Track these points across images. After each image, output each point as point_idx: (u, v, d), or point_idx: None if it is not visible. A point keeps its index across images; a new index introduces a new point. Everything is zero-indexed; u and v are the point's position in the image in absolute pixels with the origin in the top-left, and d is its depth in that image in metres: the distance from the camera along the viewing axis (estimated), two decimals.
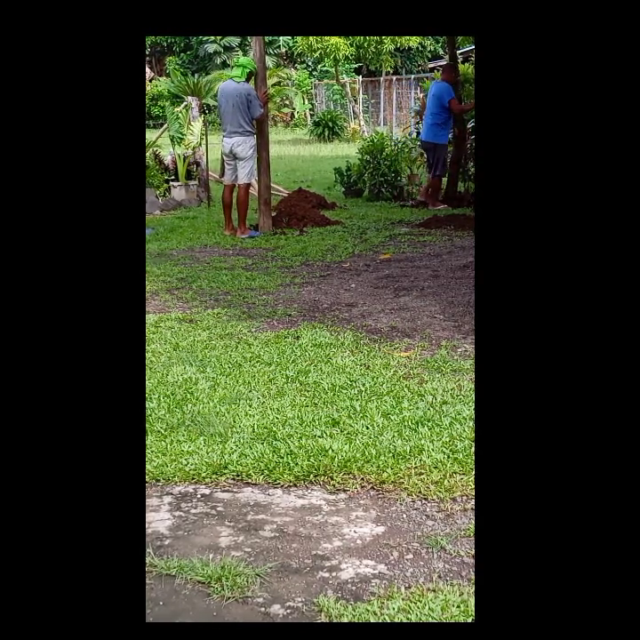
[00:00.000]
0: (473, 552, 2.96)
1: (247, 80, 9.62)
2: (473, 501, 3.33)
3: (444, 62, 16.79)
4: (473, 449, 3.72)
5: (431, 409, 4.24)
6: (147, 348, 5.30)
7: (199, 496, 3.44)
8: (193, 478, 3.56)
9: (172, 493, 3.47)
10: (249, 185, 9.91)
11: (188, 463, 3.65)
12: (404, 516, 3.28)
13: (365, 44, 27.41)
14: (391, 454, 3.70)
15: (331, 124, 27.27)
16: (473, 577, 2.81)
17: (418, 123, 14.50)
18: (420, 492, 3.43)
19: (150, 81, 34.77)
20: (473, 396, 4.40)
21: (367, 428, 4.00)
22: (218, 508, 3.34)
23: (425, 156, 12.51)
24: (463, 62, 14.77)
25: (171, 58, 38.20)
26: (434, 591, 2.75)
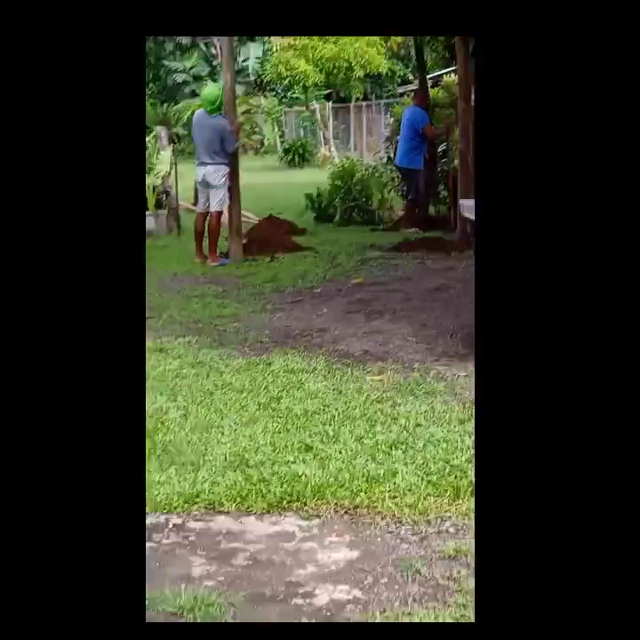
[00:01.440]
0: (448, 574, 2.95)
1: (219, 108, 9.70)
2: (447, 523, 3.32)
3: (414, 87, 16.95)
4: (447, 470, 3.71)
5: (404, 432, 4.23)
6: None
7: (171, 526, 3.40)
8: (165, 508, 3.52)
9: None
10: (221, 213, 9.95)
11: (160, 493, 3.60)
12: (379, 539, 3.25)
13: (335, 71, 27.59)
14: (365, 478, 3.68)
15: (301, 150, 27.39)
16: (448, 600, 2.80)
17: (388, 147, 14.57)
18: (394, 515, 3.41)
19: None
20: (446, 417, 4.41)
21: (340, 452, 3.99)
22: (190, 538, 3.30)
23: (397, 180, 12.55)
24: (433, 87, 14.87)
25: None
26: (409, 615, 2.73)
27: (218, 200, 9.83)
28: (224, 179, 9.80)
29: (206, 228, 9.90)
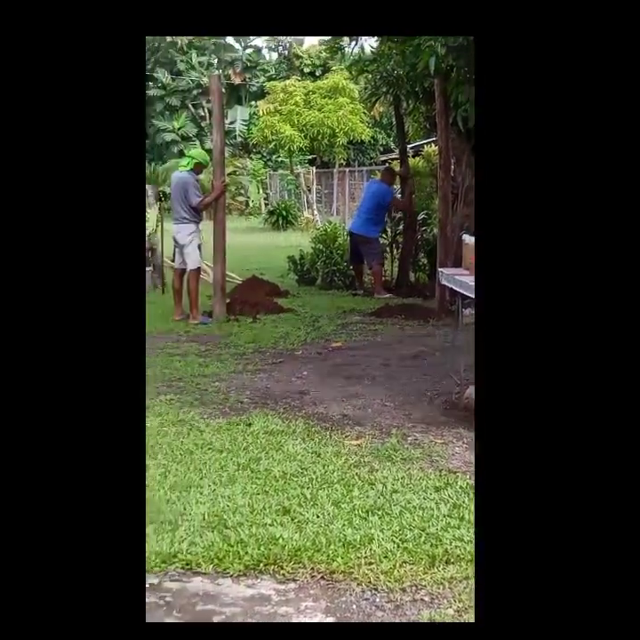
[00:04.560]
0: None
1: (197, 171, 9.95)
2: (422, 591, 3.33)
3: (395, 155, 17.27)
4: (422, 538, 3.73)
5: (381, 497, 4.25)
6: None
7: (147, 585, 3.39)
8: None
9: None
10: (198, 271, 10.03)
11: None
12: (354, 606, 3.26)
13: (319, 137, 28.01)
14: (341, 543, 3.69)
15: (285, 213, 27.65)
16: None
17: None
18: (369, 581, 3.42)
19: None
20: (422, 484, 4.43)
21: (318, 516, 4.00)
22: (166, 599, 3.30)
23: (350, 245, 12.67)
24: (414, 156, 15.13)
25: None
26: None
27: (193, 259, 9.98)
28: (190, 237, 9.92)
29: (186, 286, 9.98)
